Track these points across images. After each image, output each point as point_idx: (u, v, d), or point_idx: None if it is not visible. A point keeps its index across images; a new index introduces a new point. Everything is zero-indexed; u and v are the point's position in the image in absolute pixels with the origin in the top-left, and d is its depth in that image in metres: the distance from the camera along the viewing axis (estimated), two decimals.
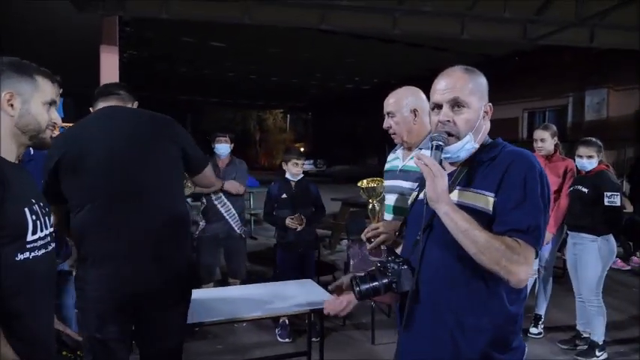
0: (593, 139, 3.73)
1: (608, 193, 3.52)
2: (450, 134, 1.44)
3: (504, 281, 1.33)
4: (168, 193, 2.02)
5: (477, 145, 1.48)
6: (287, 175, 3.95)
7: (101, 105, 2.09)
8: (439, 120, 1.47)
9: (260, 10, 6.17)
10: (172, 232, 1.98)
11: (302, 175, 4.01)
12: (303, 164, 4.11)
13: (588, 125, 13.21)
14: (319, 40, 10.96)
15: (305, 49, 12.55)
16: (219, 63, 15.08)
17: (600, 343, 3.60)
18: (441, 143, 1.43)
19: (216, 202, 3.96)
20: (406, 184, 2.18)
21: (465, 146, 1.46)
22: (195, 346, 3.68)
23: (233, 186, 3.97)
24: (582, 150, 3.67)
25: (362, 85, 19.12)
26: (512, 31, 6.96)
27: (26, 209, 1.34)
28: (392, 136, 2.25)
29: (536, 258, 1.38)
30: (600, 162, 3.67)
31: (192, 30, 10.56)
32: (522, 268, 1.31)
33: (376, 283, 1.50)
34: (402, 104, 2.20)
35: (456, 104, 1.45)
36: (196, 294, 3.00)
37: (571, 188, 3.78)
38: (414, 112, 2.19)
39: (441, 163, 1.42)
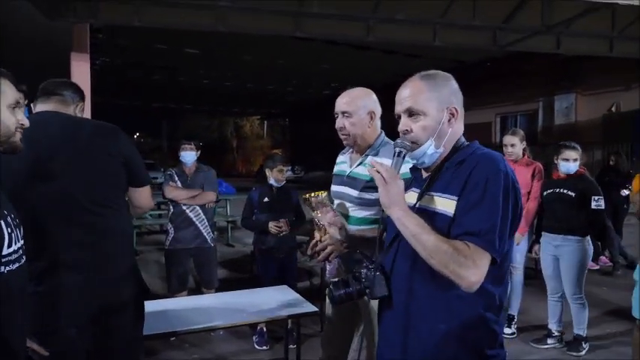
0: (574, 143, 3.83)
1: (596, 197, 3.64)
2: (413, 142, 1.46)
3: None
4: (103, 207, 1.89)
5: (441, 150, 1.47)
6: (270, 181, 3.93)
7: (40, 107, 1.95)
8: (398, 129, 1.49)
9: (234, 17, 6.19)
10: (106, 248, 1.88)
11: (284, 182, 4.01)
12: (287, 170, 4.10)
13: (558, 129, 13.60)
14: (294, 47, 11.01)
15: (281, 55, 12.59)
16: (194, 70, 15.00)
17: (584, 336, 3.77)
18: (402, 150, 1.45)
19: (184, 208, 3.93)
20: (352, 192, 2.13)
21: (427, 152, 1.46)
22: (170, 356, 3.64)
23: (203, 199, 3.97)
24: (569, 153, 3.73)
25: (339, 91, 19.20)
26: (482, 38, 7.15)
27: (1, 221, 1.29)
28: (343, 137, 2.14)
29: (495, 263, 1.32)
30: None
31: (167, 37, 10.48)
32: (471, 271, 1.28)
33: (349, 289, 1.52)
34: (359, 105, 2.11)
35: (411, 113, 1.46)
36: (171, 303, 2.99)
37: (549, 191, 3.86)
38: (371, 114, 2.12)
39: (417, 169, 1.48)
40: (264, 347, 3.82)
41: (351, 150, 2.25)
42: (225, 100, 22.87)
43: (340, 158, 2.35)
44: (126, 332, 1.94)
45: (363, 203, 2.10)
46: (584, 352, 3.74)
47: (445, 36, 6.89)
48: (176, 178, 4.00)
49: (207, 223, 4.00)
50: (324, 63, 13.66)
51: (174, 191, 3.94)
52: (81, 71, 5.91)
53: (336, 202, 2.19)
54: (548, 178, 4.08)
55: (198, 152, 4.05)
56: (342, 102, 2.13)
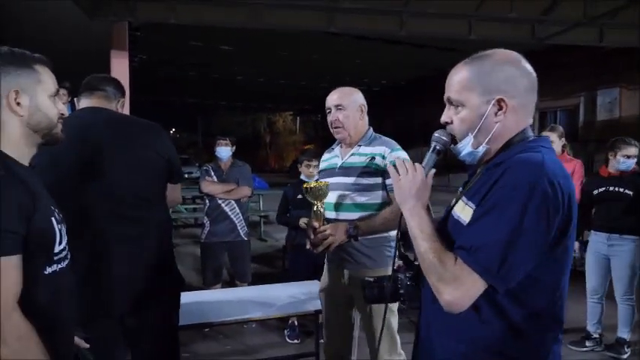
0: (632, 139, 3.67)
1: None
2: (453, 135, 1.30)
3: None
4: (147, 203, 1.94)
5: (483, 148, 1.25)
6: (302, 177, 3.96)
7: (84, 102, 1.99)
8: (441, 121, 1.32)
9: (268, 13, 6.23)
10: (149, 242, 1.93)
11: (316, 177, 4.02)
12: (317, 165, 4.10)
13: (600, 125, 13.09)
14: (327, 42, 11.00)
15: (313, 51, 12.59)
16: (228, 66, 15.18)
17: (627, 340, 3.66)
18: (437, 144, 1.32)
19: (220, 202, 4.01)
20: (348, 180, 2.21)
21: (465, 149, 1.26)
22: (204, 347, 3.73)
23: (239, 193, 4.03)
24: (631, 150, 3.58)
25: (371, 87, 19.13)
26: (520, 31, 6.95)
27: (52, 218, 1.25)
28: (336, 130, 2.25)
29: (490, 285, 1.11)
30: None
31: (201, 34, 10.64)
32: (449, 288, 1.11)
33: (383, 291, 1.50)
34: (352, 99, 2.25)
35: (451, 102, 1.28)
36: (206, 295, 3.06)
37: (601, 189, 3.69)
38: (361, 107, 2.27)
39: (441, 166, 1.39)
40: (295, 341, 3.86)
41: (339, 145, 2.36)
42: (259, 97, 23.05)
43: (327, 155, 2.46)
44: (163, 321, 2.00)
45: (359, 189, 2.19)
46: (625, 356, 3.61)
47: (481, 29, 6.74)
48: (212, 173, 4.09)
49: (241, 217, 4.08)
50: (356, 59, 13.57)
51: (210, 186, 4.02)
52: (120, 68, 6.09)
53: (332, 194, 2.23)
54: (593, 175, 3.95)
55: (234, 148, 4.13)
56: (334, 97, 2.25)
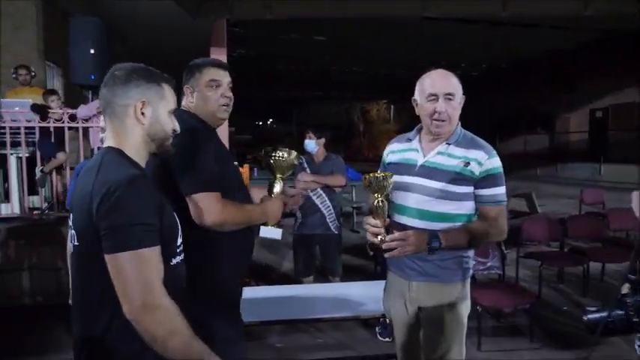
0: None
1: None
2: None
3: None
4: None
5: None
6: None
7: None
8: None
9: (360, 2, 6.13)
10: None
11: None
12: None
13: None
14: (421, 28, 10.63)
15: (408, 38, 12.25)
16: (322, 57, 15.33)
17: None
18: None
19: (311, 194, 4.02)
20: (434, 184, 1.84)
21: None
22: (296, 339, 3.78)
23: (334, 181, 4.01)
24: None
25: (469, 72, 18.22)
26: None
27: (174, 213, 1.36)
28: (438, 123, 1.84)
29: None
30: None
31: (295, 27, 10.83)
32: None
33: (609, 318, 1.26)
34: (459, 87, 1.86)
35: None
36: (299, 290, 3.09)
37: None
38: (463, 99, 1.89)
39: None
40: (387, 339, 3.77)
41: (418, 136, 1.97)
42: (353, 86, 23.05)
43: (399, 146, 2.03)
44: None
45: (445, 197, 1.83)
46: None
47: (598, 3, 6.05)
48: (305, 166, 4.12)
49: (332, 211, 4.05)
50: (453, 43, 12.97)
51: (306, 176, 4.06)
52: None
53: (409, 196, 1.90)
54: None
55: (321, 141, 4.09)
56: (445, 83, 1.84)
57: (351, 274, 3.98)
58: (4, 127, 4.76)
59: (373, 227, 1.76)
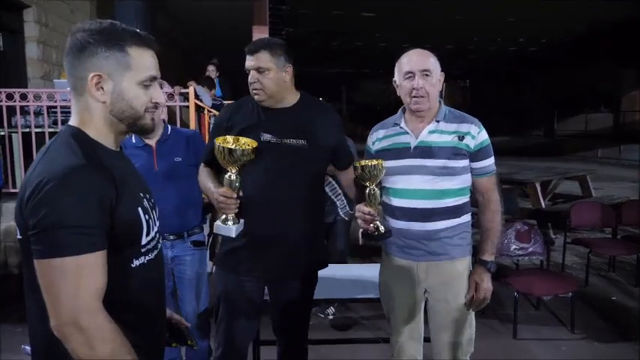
0: None
1: None
2: None
3: None
4: None
5: None
6: None
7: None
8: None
9: None
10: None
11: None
12: None
13: None
14: (475, 1, 10.16)
15: (460, 11, 11.76)
16: (370, 33, 15.05)
17: None
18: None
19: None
20: (433, 162, 1.85)
21: None
22: (340, 316, 3.78)
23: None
24: None
25: (528, 47, 17.28)
26: None
27: (139, 209, 1.14)
28: (417, 99, 1.85)
29: None
30: None
31: (343, 2, 10.66)
32: None
33: None
34: (436, 65, 1.89)
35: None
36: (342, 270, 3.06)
37: None
38: (442, 76, 1.93)
39: None
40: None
41: (403, 119, 1.97)
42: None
43: (384, 132, 2.01)
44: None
45: (448, 173, 1.87)
46: None
47: None
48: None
49: (343, 198, 3.93)
50: (509, 16, 12.32)
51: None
52: None
53: (408, 178, 1.89)
54: None
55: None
56: (420, 59, 1.88)
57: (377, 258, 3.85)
58: (55, 107, 5.00)
59: (367, 215, 1.74)
